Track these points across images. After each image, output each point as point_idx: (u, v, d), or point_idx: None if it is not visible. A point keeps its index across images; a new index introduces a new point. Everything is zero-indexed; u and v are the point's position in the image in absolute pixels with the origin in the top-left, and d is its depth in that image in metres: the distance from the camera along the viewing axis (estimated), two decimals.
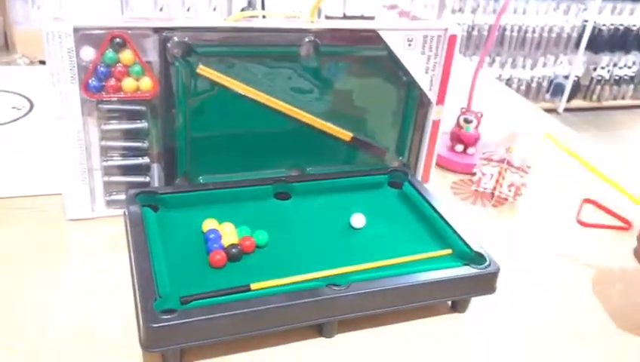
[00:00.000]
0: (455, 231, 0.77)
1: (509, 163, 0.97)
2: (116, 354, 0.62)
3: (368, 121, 0.93)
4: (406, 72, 0.90)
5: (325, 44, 0.83)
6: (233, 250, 0.70)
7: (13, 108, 1.13)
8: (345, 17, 0.92)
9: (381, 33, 0.85)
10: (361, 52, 0.87)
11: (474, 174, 1.01)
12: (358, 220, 0.79)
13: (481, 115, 1.08)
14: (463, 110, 1.09)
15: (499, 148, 0.99)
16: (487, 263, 0.72)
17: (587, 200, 1.02)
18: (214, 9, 2.37)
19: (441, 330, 0.71)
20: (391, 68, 0.89)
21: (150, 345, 0.59)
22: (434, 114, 0.94)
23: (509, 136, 0.98)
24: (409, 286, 0.69)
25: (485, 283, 0.73)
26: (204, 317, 0.59)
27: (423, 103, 0.94)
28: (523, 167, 0.96)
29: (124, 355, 0.62)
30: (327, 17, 0.85)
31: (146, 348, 0.59)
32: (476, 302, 0.74)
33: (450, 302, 0.74)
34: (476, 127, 1.08)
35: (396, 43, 0.86)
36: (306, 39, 0.82)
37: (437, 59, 0.90)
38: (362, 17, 0.92)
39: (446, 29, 0.88)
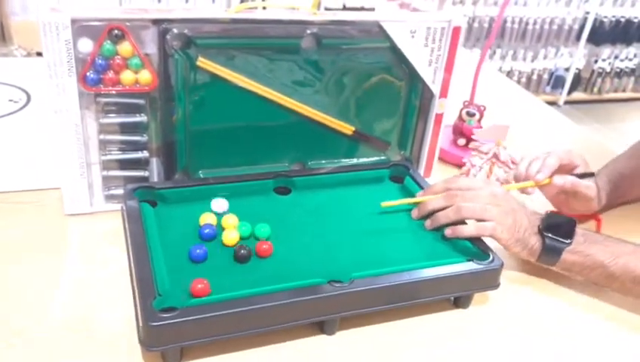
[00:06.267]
0: None
1: (496, 156, 0.95)
2: (116, 350, 0.61)
3: (370, 115, 0.92)
4: (409, 65, 0.88)
5: (327, 36, 0.82)
6: (242, 251, 0.69)
7: (10, 100, 1.11)
8: (345, 9, 0.91)
9: (384, 25, 0.84)
10: (363, 44, 0.86)
11: (464, 164, 0.99)
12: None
13: (484, 109, 1.07)
14: (466, 103, 1.07)
15: (488, 140, 0.96)
16: (490, 259, 0.71)
17: None
18: (213, 0, 2.35)
19: (444, 326, 0.71)
20: (394, 60, 0.88)
21: (150, 343, 0.58)
22: (437, 107, 0.93)
23: (498, 129, 0.96)
24: (412, 282, 0.68)
25: (489, 279, 0.72)
26: (204, 316, 0.58)
27: (426, 96, 0.92)
28: (507, 163, 0.94)
29: (123, 351, 0.61)
30: (326, 9, 0.83)
31: (145, 347, 0.58)
32: (478, 298, 0.74)
33: (452, 298, 0.73)
34: (479, 121, 1.07)
35: (399, 35, 0.85)
36: (308, 31, 0.81)
37: (440, 52, 0.89)
38: (362, 9, 0.91)
39: (449, 21, 0.87)
